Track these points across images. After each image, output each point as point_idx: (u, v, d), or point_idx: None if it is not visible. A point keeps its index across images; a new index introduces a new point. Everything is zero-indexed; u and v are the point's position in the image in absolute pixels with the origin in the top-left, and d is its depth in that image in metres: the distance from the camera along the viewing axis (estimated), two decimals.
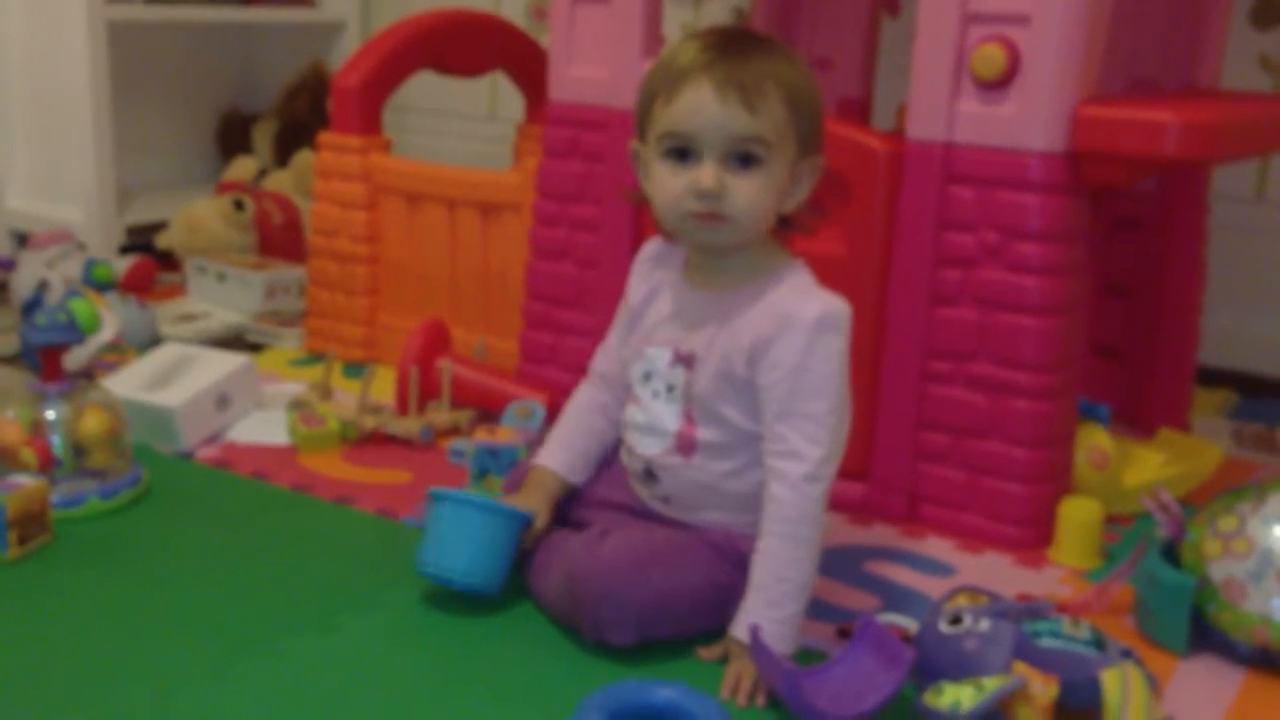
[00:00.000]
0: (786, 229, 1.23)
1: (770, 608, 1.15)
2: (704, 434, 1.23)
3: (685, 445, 1.24)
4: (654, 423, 1.26)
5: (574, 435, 1.36)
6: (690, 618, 1.21)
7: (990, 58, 1.40)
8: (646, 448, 1.27)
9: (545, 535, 1.31)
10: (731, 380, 1.20)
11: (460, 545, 1.25)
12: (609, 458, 1.37)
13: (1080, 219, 1.45)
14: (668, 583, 1.19)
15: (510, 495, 1.34)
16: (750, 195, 1.16)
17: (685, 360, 1.23)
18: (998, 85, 1.41)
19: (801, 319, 1.16)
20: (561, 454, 1.35)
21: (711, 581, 1.21)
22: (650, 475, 1.28)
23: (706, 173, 1.16)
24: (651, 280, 1.30)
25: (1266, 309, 2.11)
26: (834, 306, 1.18)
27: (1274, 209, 2.09)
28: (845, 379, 1.19)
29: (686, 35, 1.22)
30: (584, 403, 1.37)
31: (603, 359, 1.37)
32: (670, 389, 1.25)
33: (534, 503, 1.31)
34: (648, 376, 1.27)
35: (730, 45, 1.18)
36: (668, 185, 1.18)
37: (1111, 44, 1.46)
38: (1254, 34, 2.05)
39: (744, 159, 1.16)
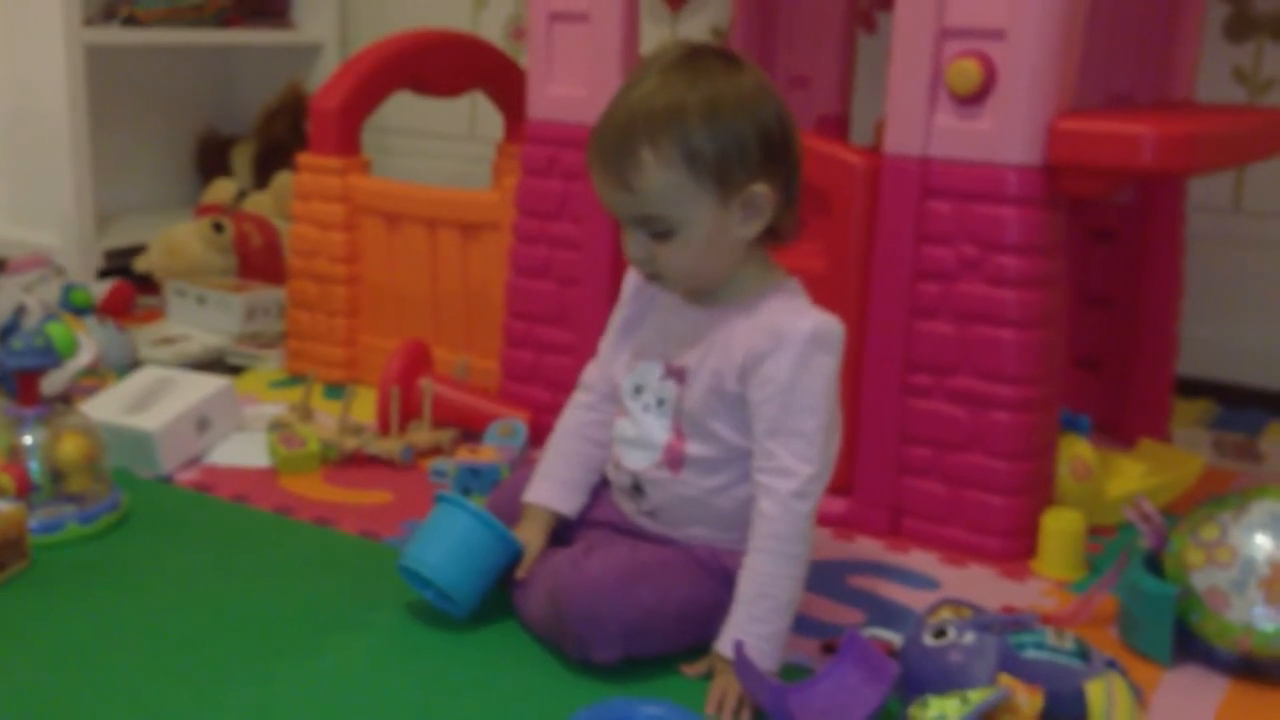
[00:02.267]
0: (772, 242, 1.22)
1: (755, 623, 1.15)
2: (693, 449, 1.23)
3: (674, 459, 1.24)
4: (643, 436, 1.25)
5: (560, 466, 1.34)
6: (675, 634, 1.20)
7: (966, 73, 1.41)
8: (635, 461, 1.27)
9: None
10: (722, 396, 1.20)
11: (440, 543, 1.25)
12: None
13: (1058, 231, 1.46)
14: (652, 600, 1.18)
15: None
16: (675, 260, 1.17)
17: (676, 375, 1.23)
18: (974, 100, 1.42)
19: (794, 336, 1.16)
20: (552, 488, 1.33)
21: (697, 598, 1.21)
22: (637, 489, 1.27)
23: (630, 245, 1.18)
24: (645, 294, 1.30)
25: (1245, 319, 2.12)
26: (827, 325, 1.18)
27: (1251, 219, 2.11)
28: (836, 397, 1.19)
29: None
30: (571, 427, 1.35)
31: (593, 371, 1.36)
32: (661, 403, 1.24)
33: (529, 536, 1.29)
34: (638, 390, 1.26)
35: (619, 108, 1.16)
36: (623, 240, 1.21)
37: (1086, 58, 1.47)
38: (1228, 47, 2.07)
39: (652, 231, 1.16)
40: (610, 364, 1.32)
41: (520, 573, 1.27)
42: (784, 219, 1.20)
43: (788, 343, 1.16)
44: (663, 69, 1.16)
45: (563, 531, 1.33)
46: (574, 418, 1.35)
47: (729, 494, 1.22)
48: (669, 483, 1.24)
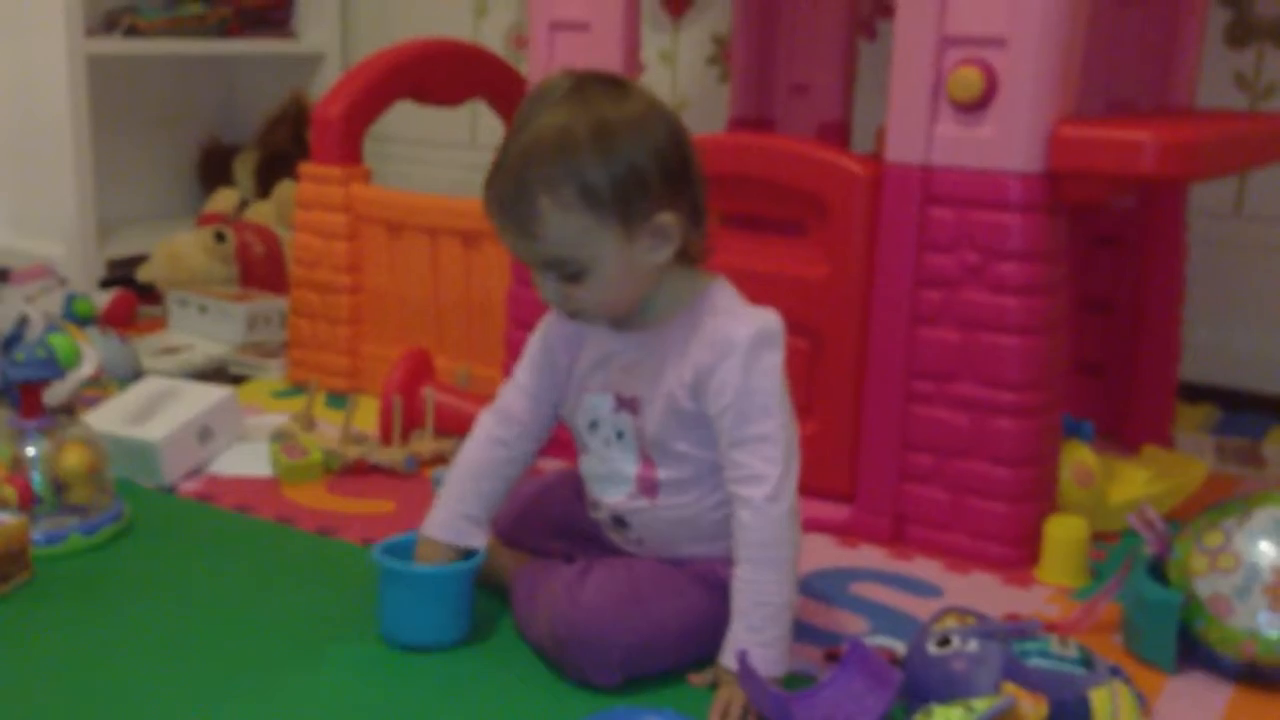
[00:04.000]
0: (683, 262, 1.18)
1: (754, 633, 1.14)
2: (664, 473, 1.22)
3: (648, 487, 1.23)
4: (612, 471, 1.24)
5: (474, 504, 1.28)
6: (676, 652, 1.20)
7: (967, 80, 1.41)
8: (610, 495, 1.25)
9: (527, 567, 1.31)
10: (680, 416, 1.18)
11: (419, 613, 1.24)
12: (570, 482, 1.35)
13: (1060, 238, 1.46)
14: (650, 622, 1.18)
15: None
16: (590, 298, 1.15)
17: (629, 405, 1.21)
18: (975, 107, 1.42)
19: (737, 343, 1.14)
20: (465, 525, 1.27)
21: (696, 614, 1.20)
22: (620, 522, 1.26)
23: (542, 288, 1.17)
24: (570, 325, 1.25)
25: (1247, 323, 2.12)
26: (765, 323, 1.16)
27: (1252, 224, 2.11)
28: (788, 392, 1.17)
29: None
30: (487, 466, 1.29)
31: (510, 395, 1.30)
32: (620, 435, 1.23)
33: (444, 556, 1.26)
34: (594, 425, 1.25)
35: (509, 154, 1.12)
36: (534, 281, 1.18)
37: (1087, 65, 1.47)
38: (1229, 53, 2.07)
39: (561, 275, 1.14)
40: (535, 397, 1.28)
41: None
42: (694, 240, 1.17)
43: (732, 351, 1.15)
44: (550, 104, 1.12)
45: (557, 543, 1.32)
46: (491, 454, 1.29)
47: (710, 509, 1.21)
48: (648, 510, 1.23)
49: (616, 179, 1.10)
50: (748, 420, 1.15)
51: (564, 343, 1.26)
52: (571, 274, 1.13)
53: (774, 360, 1.16)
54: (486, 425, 1.31)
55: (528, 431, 1.30)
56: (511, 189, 1.12)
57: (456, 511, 1.28)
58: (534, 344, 1.30)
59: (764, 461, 1.15)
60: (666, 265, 1.16)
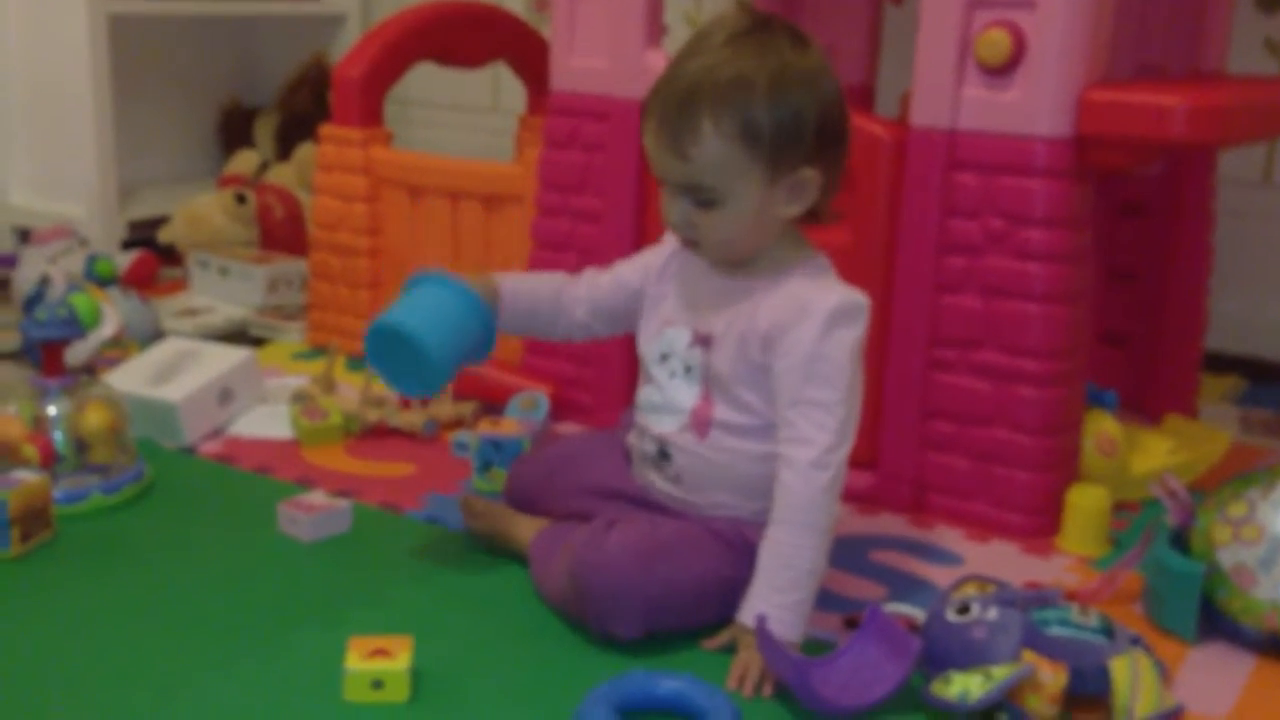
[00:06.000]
0: (809, 221, 1.22)
1: (777, 593, 1.14)
2: (720, 413, 1.23)
3: (701, 423, 1.24)
4: (669, 401, 1.26)
5: (532, 282, 1.35)
6: (697, 609, 1.20)
7: (995, 43, 1.39)
8: (661, 425, 1.26)
9: (546, 530, 1.31)
10: (748, 363, 1.20)
11: (411, 306, 1.25)
12: (604, 440, 1.38)
13: (1086, 204, 1.44)
14: (673, 575, 1.18)
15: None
16: (715, 230, 1.18)
17: (703, 341, 1.23)
18: (1003, 71, 1.40)
19: (818, 308, 1.17)
20: (514, 285, 1.33)
21: (717, 573, 1.20)
22: (663, 455, 1.27)
23: (670, 209, 1.19)
24: (676, 259, 1.30)
25: (1274, 294, 2.10)
26: (852, 299, 1.18)
27: None
28: (859, 372, 1.18)
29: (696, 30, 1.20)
30: (558, 281, 1.37)
31: (602, 275, 1.36)
32: (688, 369, 1.25)
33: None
34: (665, 357, 1.26)
35: (683, 73, 1.14)
36: (662, 203, 1.21)
37: (1117, 28, 1.44)
38: (1260, 17, 2.04)
39: (696, 200, 1.17)
40: (620, 286, 1.33)
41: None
42: (825, 202, 1.21)
43: (812, 315, 1.16)
44: (729, 38, 1.15)
45: (581, 503, 1.33)
46: (561, 279, 1.37)
47: (754, 461, 1.22)
48: (695, 446, 1.24)
49: (780, 123, 1.13)
50: (810, 383, 1.16)
51: (672, 263, 1.30)
52: (706, 201, 1.16)
53: (851, 335, 1.17)
54: (572, 277, 1.37)
55: (596, 307, 1.34)
56: (677, 108, 1.14)
57: (516, 275, 1.36)
58: (644, 254, 1.34)
59: (816, 427, 1.15)
60: (786, 225, 1.20)
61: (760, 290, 1.21)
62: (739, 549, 1.21)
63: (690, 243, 1.22)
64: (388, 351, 1.25)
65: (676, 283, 1.29)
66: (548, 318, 1.36)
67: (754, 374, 1.20)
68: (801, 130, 1.14)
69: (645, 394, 1.29)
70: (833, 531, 1.18)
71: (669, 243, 1.31)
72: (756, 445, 1.22)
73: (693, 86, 1.13)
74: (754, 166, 1.14)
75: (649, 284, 1.31)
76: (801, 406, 1.16)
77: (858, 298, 1.19)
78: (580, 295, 1.36)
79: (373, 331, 1.25)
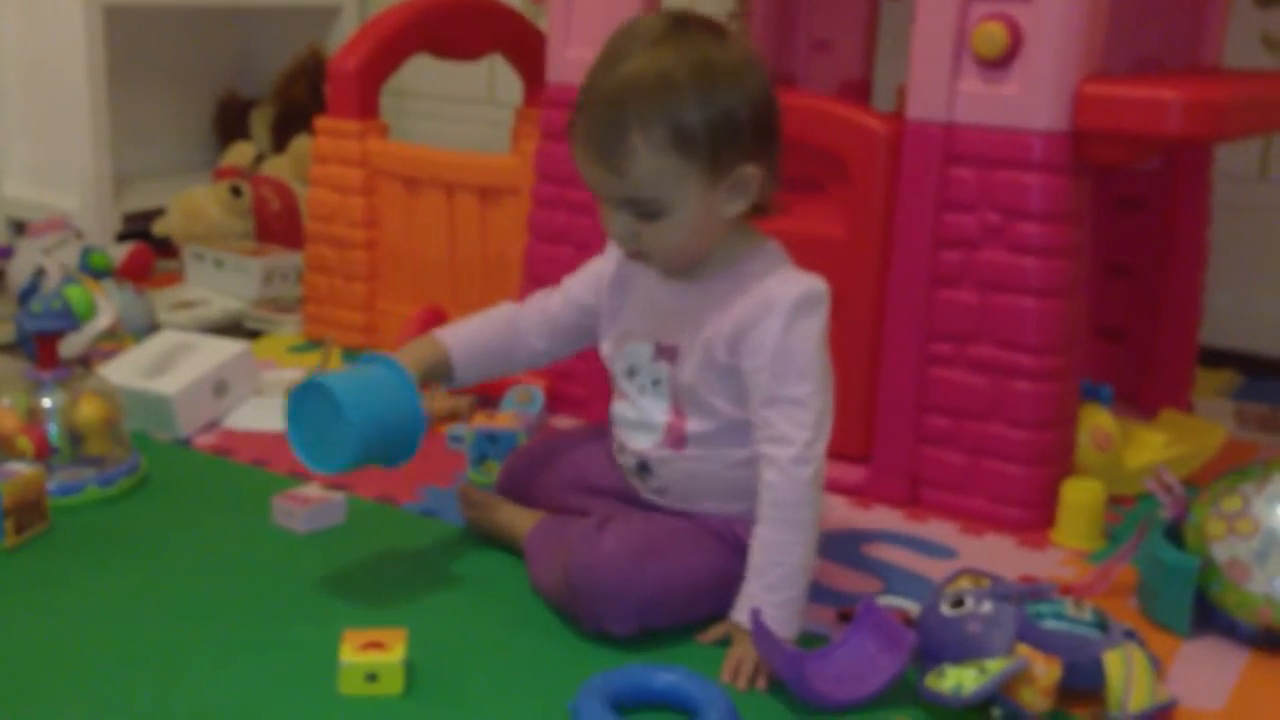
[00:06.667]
0: (754, 215, 1.19)
1: (769, 592, 1.14)
2: (693, 425, 1.22)
3: (676, 437, 1.23)
4: (643, 418, 1.25)
5: (478, 333, 1.32)
6: (690, 606, 1.20)
7: (992, 36, 1.39)
8: (638, 442, 1.26)
9: (542, 523, 1.31)
10: (715, 369, 1.19)
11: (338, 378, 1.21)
12: (598, 434, 1.37)
13: (1082, 199, 1.44)
14: (666, 573, 1.18)
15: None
16: (661, 240, 1.15)
17: (667, 354, 1.22)
18: (999, 64, 1.40)
19: (780, 303, 1.15)
20: (460, 343, 1.31)
21: (711, 569, 1.20)
22: (644, 469, 1.27)
23: (612, 224, 1.16)
24: (625, 267, 1.26)
25: (1270, 289, 2.10)
26: (811, 287, 1.16)
27: (1277, 188, 2.08)
28: (827, 358, 1.17)
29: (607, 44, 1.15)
30: (505, 315, 1.34)
31: (552, 297, 1.34)
32: (656, 383, 1.23)
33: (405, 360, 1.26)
34: (631, 372, 1.25)
35: (605, 85, 1.11)
36: (602, 217, 1.18)
37: (1113, 22, 1.44)
38: (1256, 12, 2.04)
39: (637, 213, 1.14)
40: (571, 305, 1.31)
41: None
42: (767, 196, 1.18)
43: (774, 310, 1.15)
44: (650, 42, 1.11)
45: (573, 498, 1.32)
46: (510, 310, 1.35)
47: (735, 466, 1.22)
48: (674, 460, 1.24)
49: (712, 123, 1.10)
50: (782, 381, 1.15)
51: (619, 275, 1.28)
52: (648, 213, 1.13)
53: (814, 325, 1.16)
54: (520, 305, 1.35)
55: (553, 330, 1.32)
56: (604, 123, 1.11)
57: (458, 325, 1.32)
58: (590, 265, 1.32)
59: (794, 425, 1.15)
60: (736, 219, 1.17)
61: (718, 292, 1.19)
62: (730, 544, 1.21)
63: (637, 254, 1.19)
64: (308, 421, 1.21)
65: (630, 293, 1.26)
66: (504, 356, 1.34)
67: (722, 378, 1.19)
68: (735, 128, 1.11)
69: (619, 409, 1.28)
70: (819, 524, 1.17)
71: (614, 251, 1.28)
72: (735, 450, 1.21)
73: (616, 98, 1.10)
74: (692, 171, 1.11)
75: (601, 298, 1.29)
76: (777, 405, 1.15)
77: (816, 284, 1.17)
78: (533, 323, 1.33)
79: (293, 393, 1.21)
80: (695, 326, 1.20)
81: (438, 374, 1.31)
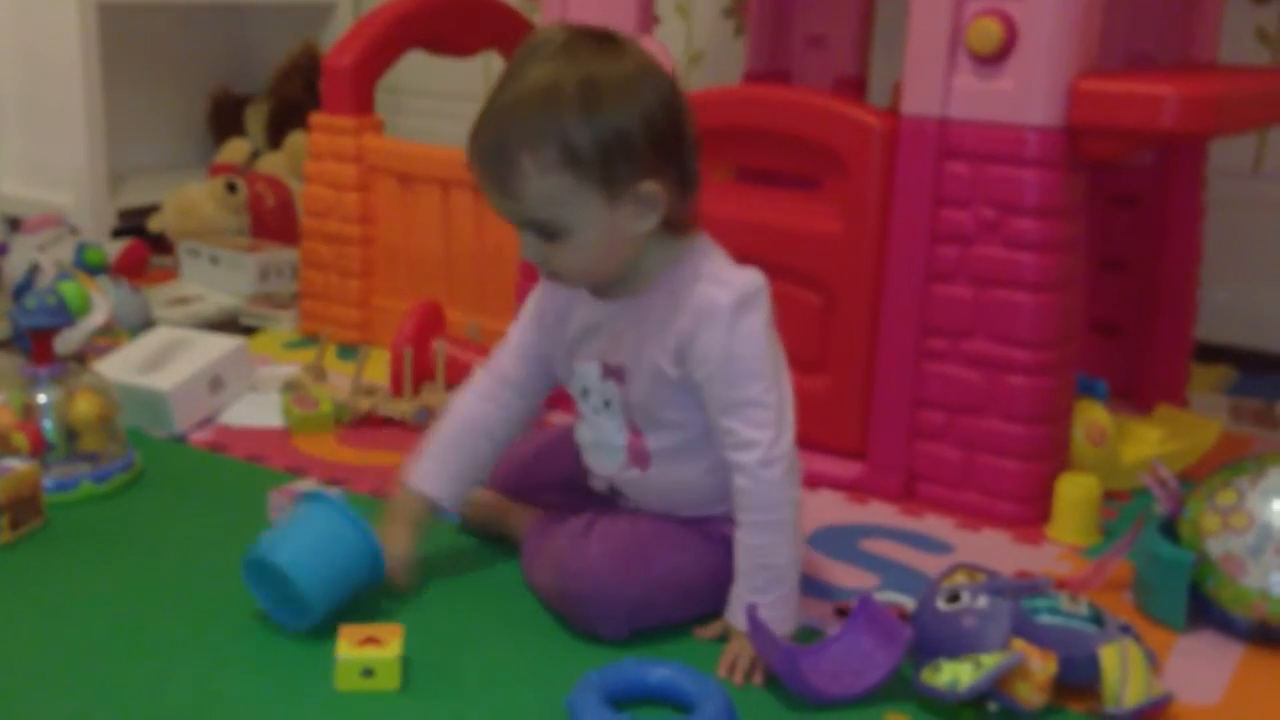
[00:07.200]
0: (667, 230, 1.15)
1: (759, 594, 1.14)
2: (654, 443, 1.21)
3: (638, 457, 1.22)
4: (601, 439, 1.24)
5: (453, 459, 1.28)
6: (681, 606, 1.20)
7: (987, 32, 1.39)
8: (603, 466, 1.25)
9: (538, 520, 1.31)
10: (668, 384, 1.16)
11: (294, 536, 1.17)
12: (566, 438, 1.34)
13: (1077, 194, 1.44)
14: (655, 575, 1.18)
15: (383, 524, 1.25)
16: (569, 261, 1.12)
17: (615, 374, 1.20)
18: (994, 60, 1.40)
19: (718, 310, 1.12)
20: (441, 481, 1.28)
21: (700, 567, 1.20)
22: (615, 491, 1.26)
23: (523, 246, 1.13)
24: (562, 290, 1.23)
25: (1264, 284, 2.10)
26: (745, 285, 1.13)
27: (1272, 183, 2.08)
28: (776, 348, 1.15)
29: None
30: (475, 420, 1.29)
31: (504, 354, 1.30)
32: (607, 404, 1.22)
33: (396, 536, 1.24)
34: (585, 393, 1.24)
35: (492, 109, 1.08)
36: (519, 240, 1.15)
37: (1108, 18, 1.44)
38: (1251, 8, 2.04)
39: (541, 234, 1.11)
40: (527, 357, 1.28)
41: (401, 581, 1.23)
42: (679, 208, 1.14)
43: (713, 318, 1.12)
44: (540, 59, 1.08)
45: (565, 496, 1.32)
46: (479, 410, 1.30)
47: (704, 474, 1.20)
48: (641, 480, 1.23)
49: (600, 141, 1.06)
50: (734, 386, 1.12)
51: (554, 307, 1.25)
52: (550, 234, 1.10)
53: (756, 322, 1.13)
54: (479, 382, 1.31)
55: (522, 390, 1.29)
56: (493, 144, 1.08)
57: (430, 458, 1.28)
58: (528, 305, 1.29)
59: (754, 427, 1.13)
60: (650, 233, 1.13)
61: (654, 307, 1.16)
62: (719, 542, 1.20)
63: (552, 275, 1.16)
64: (267, 581, 1.18)
65: (572, 316, 1.23)
66: (488, 446, 1.30)
67: (677, 392, 1.16)
68: (628, 145, 1.07)
69: (580, 432, 1.27)
70: (799, 518, 1.15)
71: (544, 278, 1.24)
72: (701, 461, 1.19)
73: (502, 122, 1.07)
74: (586, 191, 1.07)
75: (547, 331, 1.26)
76: (735, 410, 1.13)
77: (750, 279, 1.13)
78: (503, 398, 1.29)
79: (246, 562, 1.18)
80: (637, 345, 1.17)
81: (431, 514, 1.28)
